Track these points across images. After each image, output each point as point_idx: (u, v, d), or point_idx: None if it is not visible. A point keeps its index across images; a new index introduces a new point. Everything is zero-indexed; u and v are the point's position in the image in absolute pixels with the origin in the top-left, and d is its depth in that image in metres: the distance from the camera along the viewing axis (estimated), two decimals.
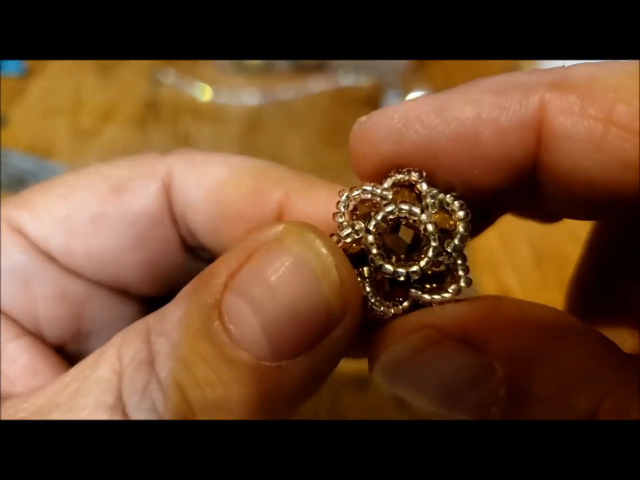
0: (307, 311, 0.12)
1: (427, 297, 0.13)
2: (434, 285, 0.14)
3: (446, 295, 0.13)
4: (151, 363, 0.12)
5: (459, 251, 0.13)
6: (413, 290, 0.13)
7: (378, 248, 0.13)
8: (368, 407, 0.32)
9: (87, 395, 0.12)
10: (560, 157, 0.13)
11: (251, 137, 0.52)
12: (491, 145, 0.13)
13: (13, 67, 0.55)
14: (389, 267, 0.13)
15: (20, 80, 0.55)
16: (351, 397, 0.33)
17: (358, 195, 0.14)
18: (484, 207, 0.15)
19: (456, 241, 0.13)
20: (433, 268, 0.13)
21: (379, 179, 0.15)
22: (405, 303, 0.14)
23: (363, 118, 0.15)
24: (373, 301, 0.13)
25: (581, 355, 0.12)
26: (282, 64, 0.57)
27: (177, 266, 0.19)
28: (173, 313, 0.13)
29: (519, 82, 0.14)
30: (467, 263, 0.13)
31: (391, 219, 0.13)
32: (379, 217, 0.13)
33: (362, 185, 0.14)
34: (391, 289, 0.14)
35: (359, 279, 0.13)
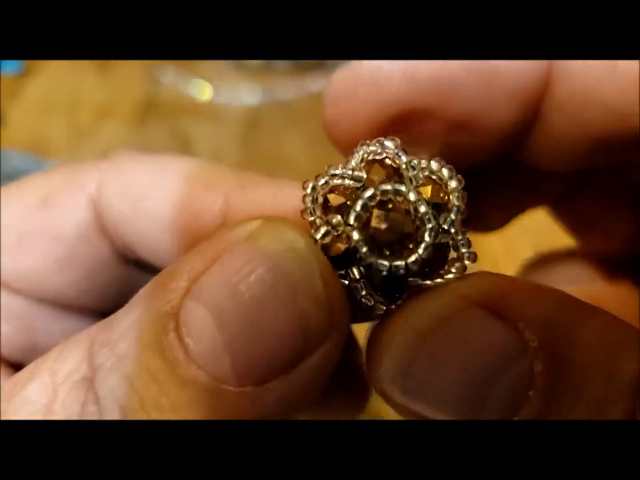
0: (281, 328, 0.10)
1: (428, 282, 0.11)
2: (433, 267, 0.12)
3: (450, 275, 0.11)
4: (90, 380, 0.10)
5: (457, 225, 0.11)
6: (412, 279, 0.11)
7: (366, 243, 0.11)
8: (368, 406, 0.32)
9: (12, 414, 0.10)
10: (575, 82, 0.12)
11: (250, 136, 0.52)
12: (508, 73, 0.13)
13: (10, 65, 0.55)
14: (383, 262, 0.11)
15: (18, 79, 0.55)
16: None
17: (326, 182, 0.11)
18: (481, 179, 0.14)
19: (452, 216, 0.11)
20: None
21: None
22: (403, 293, 0.12)
23: (352, 61, 0.13)
24: (372, 302, 0.11)
25: (619, 321, 0.11)
26: (282, 63, 0.57)
27: (117, 278, 0.18)
28: (121, 321, 0.11)
29: None
30: (468, 236, 0.11)
31: (372, 206, 0.11)
32: (359, 207, 0.11)
33: (327, 171, 0.12)
34: (384, 281, 0.12)
35: (348, 282, 0.11)
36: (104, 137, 0.50)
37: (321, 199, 0.12)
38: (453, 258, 0.12)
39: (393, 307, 0.12)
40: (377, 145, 0.12)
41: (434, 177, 0.11)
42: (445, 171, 0.11)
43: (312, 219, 0.11)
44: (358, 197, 0.11)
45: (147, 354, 0.10)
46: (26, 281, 0.17)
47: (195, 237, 0.15)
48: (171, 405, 0.10)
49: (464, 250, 0.11)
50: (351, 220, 0.11)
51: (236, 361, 0.10)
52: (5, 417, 0.10)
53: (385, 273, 0.11)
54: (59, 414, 0.10)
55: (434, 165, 0.11)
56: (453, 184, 0.11)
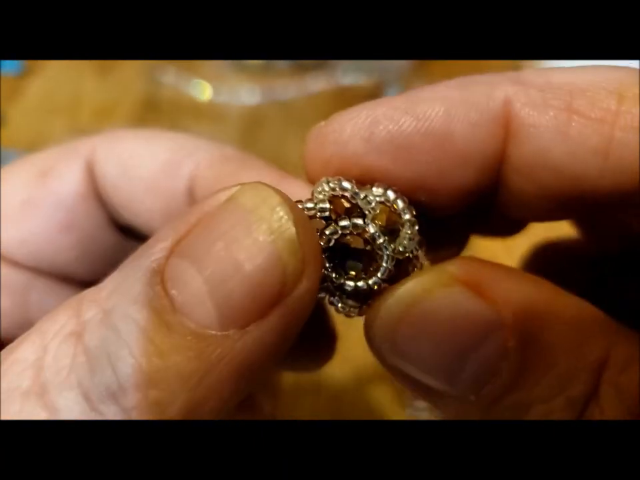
0: (260, 272, 0.11)
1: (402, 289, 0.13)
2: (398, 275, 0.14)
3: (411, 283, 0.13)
4: (79, 334, 0.11)
5: (412, 248, 0.13)
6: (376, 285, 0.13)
7: (334, 270, 0.13)
8: (368, 406, 0.32)
9: (1, 379, 0.11)
10: (529, 147, 0.13)
11: (250, 136, 0.52)
12: (462, 139, 0.14)
13: (11, 66, 0.55)
14: (349, 283, 0.13)
15: (18, 79, 0.55)
16: (350, 396, 0.33)
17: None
18: (449, 221, 0.16)
19: (405, 242, 0.13)
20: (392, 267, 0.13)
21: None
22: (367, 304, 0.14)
23: (323, 122, 0.15)
24: (347, 310, 0.13)
25: (589, 307, 0.12)
26: (282, 63, 0.57)
27: (109, 246, 0.19)
28: (110, 281, 0.12)
29: (481, 80, 0.15)
30: (425, 252, 0.14)
31: (336, 239, 0.13)
32: (323, 243, 0.13)
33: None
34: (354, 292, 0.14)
35: (326, 296, 0.13)
36: None
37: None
38: (414, 270, 0.14)
39: (357, 312, 0.14)
40: (336, 182, 0.13)
41: (389, 205, 0.13)
42: (399, 203, 0.13)
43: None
44: (322, 233, 0.13)
45: (135, 307, 0.11)
46: (26, 249, 0.18)
47: (171, 199, 0.17)
48: (158, 351, 0.10)
49: (424, 263, 0.14)
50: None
51: (219, 307, 0.10)
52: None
53: (350, 290, 0.13)
54: (49, 368, 0.11)
55: (390, 194, 0.13)
56: (406, 216, 0.13)
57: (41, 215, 0.18)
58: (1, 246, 0.18)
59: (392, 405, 0.32)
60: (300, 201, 0.13)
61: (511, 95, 0.14)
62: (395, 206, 0.13)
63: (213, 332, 0.11)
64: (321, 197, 0.13)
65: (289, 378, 0.33)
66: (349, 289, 0.13)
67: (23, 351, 0.11)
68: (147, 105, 0.54)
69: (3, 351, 0.12)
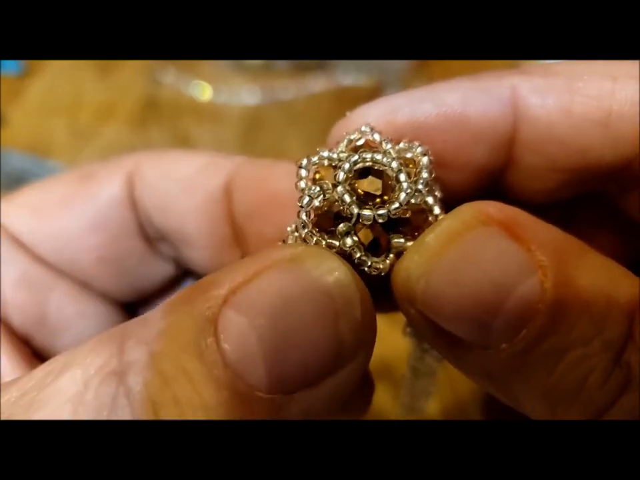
0: (318, 346, 0.11)
1: (410, 244, 0.13)
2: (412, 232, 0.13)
3: (430, 238, 0.13)
4: (121, 375, 0.11)
5: (429, 185, 0.13)
6: (395, 240, 0.13)
7: (351, 196, 0.12)
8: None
9: (40, 408, 0.11)
10: (536, 124, 0.15)
11: (250, 136, 0.52)
12: (476, 120, 0.15)
13: (11, 66, 0.55)
14: (367, 212, 0.12)
15: (19, 79, 0.55)
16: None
17: (317, 161, 0.13)
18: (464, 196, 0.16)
19: (424, 174, 0.13)
20: (409, 208, 0.13)
21: None
22: (391, 255, 0.13)
23: (348, 112, 0.16)
24: (358, 256, 0.12)
25: (613, 260, 0.13)
26: (282, 63, 0.57)
27: (133, 254, 0.19)
28: (158, 321, 0.11)
29: (489, 74, 0.16)
30: (438, 203, 0.13)
31: (356, 169, 0.13)
32: (346, 167, 0.13)
33: (318, 152, 0.14)
34: (371, 247, 0.13)
35: (338, 241, 0.12)
36: (105, 138, 0.51)
37: (311, 175, 0.13)
38: (430, 222, 0.13)
39: (381, 265, 0.13)
40: (358, 131, 0.14)
41: (407, 153, 0.14)
42: (417, 146, 0.14)
43: (302, 185, 0.13)
44: (344, 161, 0.13)
45: (184, 355, 0.10)
46: (53, 244, 0.19)
47: (207, 198, 0.18)
48: (203, 404, 0.10)
49: (437, 212, 0.13)
50: (340, 178, 0.12)
51: (270, 371, 0.10)
52: (36, 406, 0.11)
53: (368, 223, 0.12)
54: (89, 404, 0.10)
55: (402, 144, 0.14)
56: (419, 150, 0.14)
57: (74, 213, 0.19)
58: (32, 239, 0.18)
59: (392, 405, 0.32)
60: (320, 149, 0.14)
61: (517, 82, 0.15)
62: (413, 154, 0.14)
63: (261, 394, 0.10)
64: (342, 147, 0.14)
65: None
66: (366, 217, 0.12)
67: (63, 382, 0.11)
68: (147, 105, 0.54)
69: (43, 375, 0.11)
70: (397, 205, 0.12)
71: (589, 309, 0.11)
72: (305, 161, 0.13)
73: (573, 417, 0.12)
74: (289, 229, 0.13)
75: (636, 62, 0.15)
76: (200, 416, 0.10)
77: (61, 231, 0.19)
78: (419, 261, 0.12)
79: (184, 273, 0.21)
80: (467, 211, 0.12)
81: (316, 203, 0.13)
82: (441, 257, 0.12)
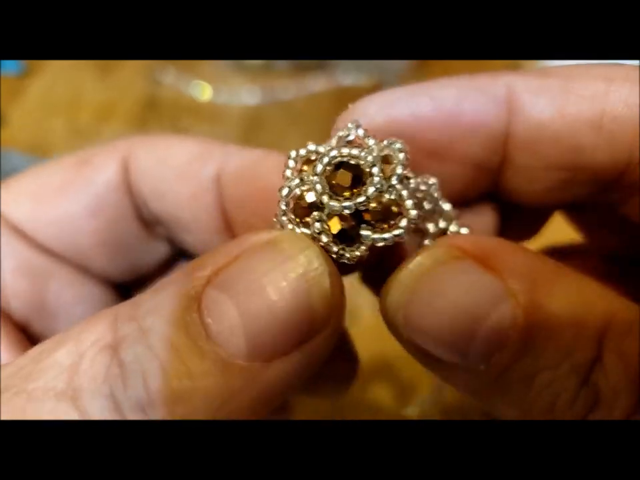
0: (292, 317, 0.12)
1: (377, 235, 0.13)
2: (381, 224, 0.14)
3: (396, 231, 0.13)
4: (114, 348, 0.12)
5: (401, 180, 0.13)
6: (364, 232, 0.13)
7: (323, 187, 0.13)
8: (368, 406, 0.32)
9: (37, 379, 0.12)
10: (530, 123, 0.15)
11: (250, 136, 0.52)
12: (470, 115, 0.16)
13: (11, 66, 0.55)
14: (334, 203, 0.13)
15: (19, 79, 0.55)
16: (351, 396, 0.33)
17: (304, 154, 0.14)
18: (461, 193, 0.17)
19: (398, 170, 0.13)
20: (380, 202, 0.13)
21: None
22: (362, 247, 0.14)
23: (349, 105, 0.17)
24: (325, 241, 0.13)
25: (589, 280, 0.13)
26: (282, 63, 0.57)
27: (131, 238, 0.20)
28: (147, 300, 0.12)
29: (485, 74, 0.16)
30: (412, 198, 0.14)
31: (334, 163, 0.13)
32: (325, 161, 0.13)
33: (307, 145, 0.14)
34: (342, 238, 0.14)
35: (312, 229, 0.13)
36: (105, 137, 0.51)
37: (298, 166, 0.14)
38: (400, 217, 0.14)
39: (347, 255, 0.14)
40: (347, 128, 0.14)
41: (387, 151, 0.14)
42: (397, 145, 0.14)
43: (288, 174, 0.14)
44: (324, 155, 0.14)
45: (171, 329, 0.11)
46: (52, 230, 0.19)
47: (199, 186, 0.18)
48: (189, 373, 0.11)
49: (409, 206, 0.13)
50: (317, 170, 0.13)
51: (249, 341, 0.11)
52: (33, 377, 0.12)
53: (336, 213, 0.13)
54: (84, 374, 0.11)
55: (385, 142, 0.14)
56: (398, 145, 0.14)
57: (72, 199, 0.19)
58: (31, 226, 0.19)
59: (392, 405, 0.32)
60: (309, 143, 0.14)
61: (512, 82, 0.16)
62: (391, 153, 0.14)
63: (241, 362, 0.11)
64: (333, 142, 0.14)
65: None
66: (335, 208, 0.13)
67: (59, 355, 0.12)
68: (147, 105, 0.54)
69: (39, 352, 0.12)
70: (363, 197, 0.13)
71: (558, 334, 0.12)
72: (293, 153, 0.14)
73: None
74: (274, 219, 0.14)
75: (633, 65, 0.15)
76: (185, 384, 0.11)
77: (60, 216, 0.19)
78: (396, 296, 0.13)
79: (178, 253, 0.21)
80: (441, 246, 0.13)
81: (297, 191, 0.13)
82: (414, 292, 0.13)
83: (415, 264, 0.13)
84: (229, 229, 0.19)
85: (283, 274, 0.12)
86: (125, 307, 0.13)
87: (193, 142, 0.19)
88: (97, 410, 0.11)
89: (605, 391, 0.12)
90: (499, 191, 0.17)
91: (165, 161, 0.19)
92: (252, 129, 0.52)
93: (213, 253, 0.13)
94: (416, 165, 0.16)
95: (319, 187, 0.13)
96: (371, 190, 0.13)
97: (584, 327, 0.12)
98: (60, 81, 0.56)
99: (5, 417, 0.11)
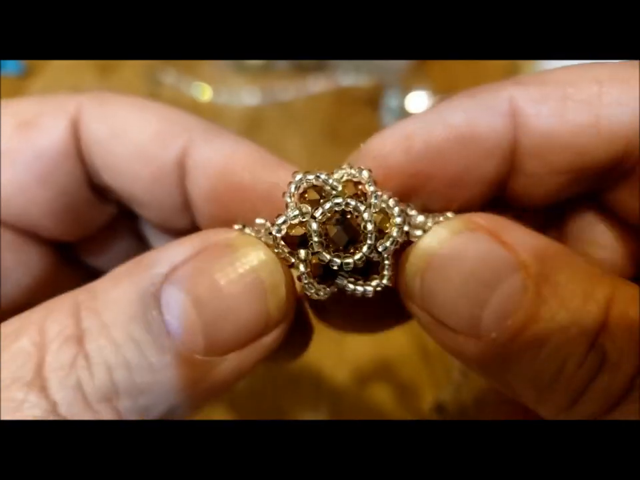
0: (249, 319, 0.12)
1: (351, 286, 0.14)
2: (358, 276, 0.15)
3: (369, 288, 0.14)
4: (79, 339, 0.12)
5: (389, 252, 0.14)
6: (339, 280, 0.14)
7: (319, 236, 0.14)
8: (368, 406, 0.32)
9: (5, 368, 0.12)
10: (535, 132, 0.16)
11: (250, 136, 0.51)
12: (482, 136, 0.16)
13: (12, 66, 0.55)
14: (326, 255, 0.14)
15: (19, 80, 0.55)
16: (350, 396, 0.33)
17: (311, 179, 0.14)
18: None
19: (387, 243, 0.14)
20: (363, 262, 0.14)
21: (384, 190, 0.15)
22: (332, 288, 0.14)
23: (362, 144, 0.17)
24: (306, 281, 0.14)
25: (592, 260, 0.14)
26: (282, 64, 0.57)
27: (83, 204, 0.19)
28: (105, 292, 0.13)
29: (486, 88, 0.17)
30: (392, 263, 0.15)
31: (336, 211, 0.14)
32: (327, 207, 0.14)
33: (317, 172, 0.14)
34: (321, 274, 0.14)
35: (295, 260, 0.14)
36: None
37: (301, 189, 0.15)
38: (375, 276, 0.15)
39: (321, 292, 0.14)
40: (357, 170, 0.15)
41: (387, 211, 0.15)
42: (396, 209, 0.15)
43: (289, 200, 0.14)
44: (328, 200, 0.14)
45: (132, 325, 0.12)
46: (3, 198, 0.18)
47: (160, 168, 0.18)
48: (151, 367, 0.12)
49: (386, 273, 0.15)
50: (317, 214, 0.14)
51: (207, 339, 0.12)
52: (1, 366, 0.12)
53: (323, 263, 0.14)
54: (51, 365, 0.12)
55: (391, 201, 0.15)
56: (397, 220, 0.14)
57: (19, 166, 0.18)
58: None
59: (392, 404, 0.32)
60: (319, 170, 0.15)
61: (513, 94, 0.16)
62: (392, 212, 0.15)
63: (199, 357, 0.12)
64: (336, 176, 0.15)
65: (289, 377, 0.33)
66: (324, 258, 0.14)
67: (23, 344, 0.12)
68: None
69: (4, 333, 0.12)
70: (349, 260, 0.14)
71: (568, 302, 0.13)
72: (299, 177, 0.14)
73: (556, 399, 0.13)
74: (258, 221, 0.14)
75: (619, 63, 0.16)
76: (147, 377, 0.12)
77: (8, 184, 0.18)
78: (414, 262, 0.14)
79: (126, 212, 0.20)
80: (457, 220, 0.14)
81: (294, 221, 0.14)
82: (431, 259, 0.14)
83: (432, 233, 0.14)
84: (188, 209, 0.19)
85: (242, 279, 0.12)
86: (85, 297, 0.13)
87: (152, 115, 0.18)
88: (65, 400, 0.12)
89: (611, 352, 0.12)
90: (505, 196, 0.18)
91: (121, 135, 0.18)
92: (252, 129, 0.52)
93: (170, 247, 0.13)
94: (437, 196, 0.17)
95: (315, 236, 0.14)
96: (358, 256, 0.14)
97: (591, 295, 0.13)
98: (60, 81, 0.56)
99: None
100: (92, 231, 0.20)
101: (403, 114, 0.53)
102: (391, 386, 0.32)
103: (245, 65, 0.57)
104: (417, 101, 0.54)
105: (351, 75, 0.56)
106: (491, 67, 0.60)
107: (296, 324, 0.18)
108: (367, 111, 0.55)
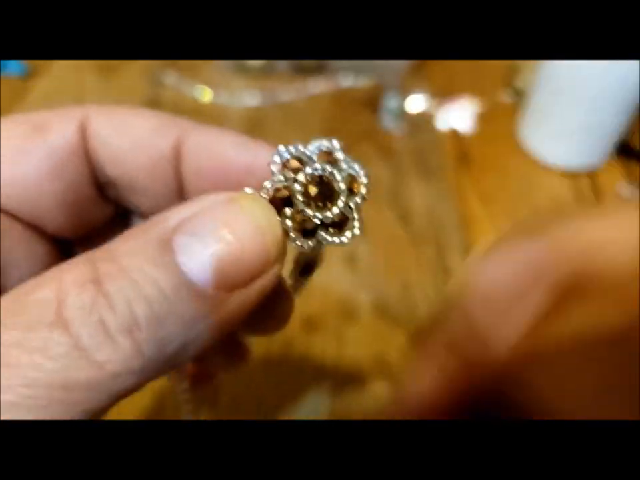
0: (252, 257, 0.14)
1: (329, 238, 0.17)
2: (335, 230, 0.17)
3: (343, 238, 0.17)
4: (97, 282, 0.13)
5: (359, 207, 0.17)
6: (321, 232, 0.16)
7: (303, 196, 0.16)
8: (368, 406, 0.32)
9: (24, 313, 0.13)
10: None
11: (251, 137, 0.52)
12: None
13: (14, 67, 0.56)
14: (309, 211, 0.16)
15: (22, 80, 0.56)
16: (350, 396, 0.33)
17: (292, 150, 0.17)
18: None
19: (357, 199, 0.16)
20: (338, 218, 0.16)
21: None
22: (314, 240, 0.17)
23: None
24: (293, 235, 0.16)
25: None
26: (282, 65, 0.57)
27: (86, 200, 0.21)
28: (120, 246, 0.14)
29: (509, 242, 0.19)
30: (361, 217, 0.17)
31: (314, 174, 0.16)
32: (308, 171, 0.16)
33: (295, 144, 0.17)
34: (303, 231, 0.17)
35: (281, 218, 0.16)
36: None
37: (283, 159, 0.17)
38: (347, 228, 0.17)
39: (306, 244, 0.17)
40: (328, 141, 0.17)
41: (355, 173, 0.17)
42: (362, 172, 0.17)
43: (274, 169, 0.17)
44: (308, 165, 0.16)
45: (149, 267, 0.13)
46: (12, 191, 0.19)
47: (157, 156, 0.20)
48: (168, 300, 0.13)
49: (356, 225, 0.17)
50: (300, 177, 0.16)
51: (216, 276, 0.14)
52: (19, 313, 0.13)
53: (305, 218, 0.16)
54: (72, 306, 0.13)
55: (356, 166, 0.17)
56: (364, 180, 0.17)
57: (32, 162, 0.19)
58: None
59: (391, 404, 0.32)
60: (295, 142, 0.17)
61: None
62: (359, 174, 0.17)
63: (210, 292, 0.14)
64: (311, 148, 0.17)
65: (289, 378, 0.33)
66: (307, 214, 0.16)
67: (43, 294, 0.13)
68: (149, 106, 0.54)
69: (18, 294, 0.13)
70: (328, 214, 0.16)
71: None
72: (281, 148, 0.17)
73: None
74: (246, 189, 0.16)
75: None
76: (165, 308, 0.13)
77: (20, 177, 0.19)
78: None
79: (123, 213, 0.22)
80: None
81: (279, 185, 0.16)
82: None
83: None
84: (183, 196, 0.20)
85: (244, 224, 0.14)
86: (99, 252, 0.14)
87: (150, 115, 0.20)
88: (89, 334, 0.13)
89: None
90: None
91: (124, 131, 0.20)
92: (252, 131, 0.52)
93: (177, 208, 0.15)
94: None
95: (299, 195, 0.16)
96: (336, 210, 0.16)
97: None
98: (63, 82, 0.56)
99: (3, 347, 0.12)
100: (90, 230, 0.22)
101: (403, 116, 0.53)
102: (391, 386, 0.32)
103: (246, 67, 0.57)
104: (417, 103, 0.55)
105: (350, 76, 0.56)
106: (491, 67, 0.60)
107: (278, 297, 0.20)
108: (367, 113, 0.55)
